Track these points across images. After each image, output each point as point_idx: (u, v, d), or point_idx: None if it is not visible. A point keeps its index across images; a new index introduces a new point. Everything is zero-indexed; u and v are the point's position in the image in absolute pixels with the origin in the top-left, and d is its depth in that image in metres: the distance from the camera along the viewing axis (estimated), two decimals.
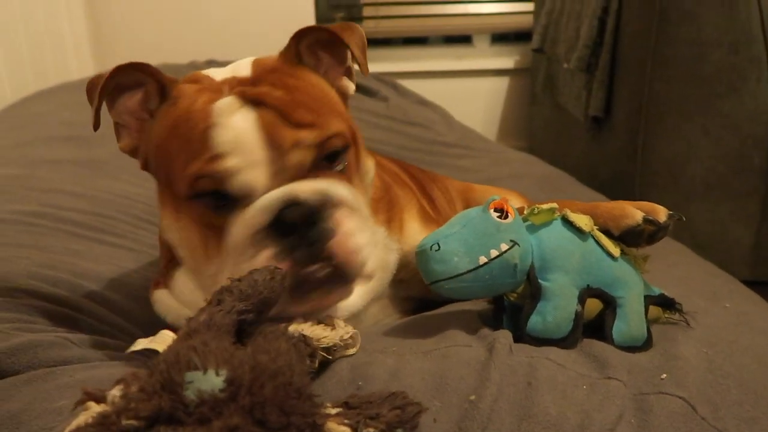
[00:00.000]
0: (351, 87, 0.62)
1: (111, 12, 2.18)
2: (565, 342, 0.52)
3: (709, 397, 0.46)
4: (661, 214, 0.57)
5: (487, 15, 2.38)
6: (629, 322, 0.54)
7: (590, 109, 1.40)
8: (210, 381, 0.31)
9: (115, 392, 0.32)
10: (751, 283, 1.30)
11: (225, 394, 0.31)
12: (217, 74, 0.57)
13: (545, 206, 0.57)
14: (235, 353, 0.34)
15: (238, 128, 0.50)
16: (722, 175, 1.22)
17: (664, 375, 0.46)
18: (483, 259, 0.51)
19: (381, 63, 2.32)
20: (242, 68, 0.57)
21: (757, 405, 0.47)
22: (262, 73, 0.55)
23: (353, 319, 0.57)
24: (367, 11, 2.32)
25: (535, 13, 1.94)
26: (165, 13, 2.18)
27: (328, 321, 0.46)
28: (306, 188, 0.50)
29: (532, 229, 0.56)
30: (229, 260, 0.50)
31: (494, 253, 0.51)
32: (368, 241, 0.51)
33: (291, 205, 0.49)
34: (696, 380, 0.47)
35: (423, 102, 1.68)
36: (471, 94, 2.31)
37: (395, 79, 2.14)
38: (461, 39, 2.48)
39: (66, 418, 0.32)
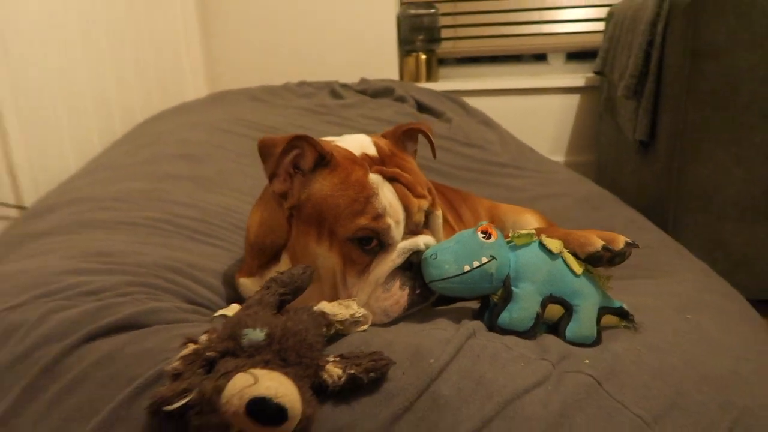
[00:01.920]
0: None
1: (220, 44, 2.50)
2: (526, 334, 0.69)
3: (620, 379, 0.61)
4: (620, 243, 0.72)
5: (562, 34, 2.48)
6: (581, 324, 0.70)
7: (636, 133, 1.50)
8: (256, 334, 0.53)
9: (203, 338, 0.54)
10: None
11: (264, 342, 0.52)
12: (346, 144, 0.77)
13: (525, 232, 0.74)
14: (272, 320, 0.55)
15: (389, 198, 0.72)
16: (755, 199, 1.30)
17: (587, 361, 0.63)
18: (467, 268, 0.69)
19: (457, 81, 2.50)
20: (366, 147, 0.77)
21: (664, 389, 0.61)
22: (385, 156, 0.76)
23: None
24: (445, 33, 2.50)
25: (603, 36, 2.03)
26: (264, 44, 2.48)
27: (346, 303, 0.66)
28: (421, 242, 0.72)
29: (514, 248, 0.73)
30: (368, 287, 0.71)
31: (476, 264, 0.69)
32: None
33: (416, 253, 0.71)
34: (614, 367, 0.63)
35: (486, 122, 1.84)
36: (544, 110, 2.42)
37: (472, 96, 2.32)
38: (537, 57, 2.59)
39: (177, 351, 0.55)
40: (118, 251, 0.84)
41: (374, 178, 0.72)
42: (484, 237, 0.72)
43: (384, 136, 0.82)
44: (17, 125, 1.47)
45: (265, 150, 0.72)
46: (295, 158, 0.74)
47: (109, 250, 0.83)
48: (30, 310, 0.67)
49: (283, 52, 2.46)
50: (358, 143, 0.77)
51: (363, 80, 2.25)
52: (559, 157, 2.44)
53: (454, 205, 1.01)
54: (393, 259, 0.71)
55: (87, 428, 0.55)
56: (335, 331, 0.63)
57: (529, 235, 0.74)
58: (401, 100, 1.89)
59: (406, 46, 2.46)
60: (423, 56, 2.45)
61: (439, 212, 0.78)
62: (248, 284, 0.79)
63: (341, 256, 0.72)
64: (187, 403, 0.47)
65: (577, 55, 2.51)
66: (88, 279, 0.74)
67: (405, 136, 0.82)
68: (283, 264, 0.76)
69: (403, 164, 0.76)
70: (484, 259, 0.70)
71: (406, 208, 0.73)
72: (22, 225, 1.01)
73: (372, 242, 0.71)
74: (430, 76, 2.47)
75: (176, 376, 0.51)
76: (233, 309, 0.60)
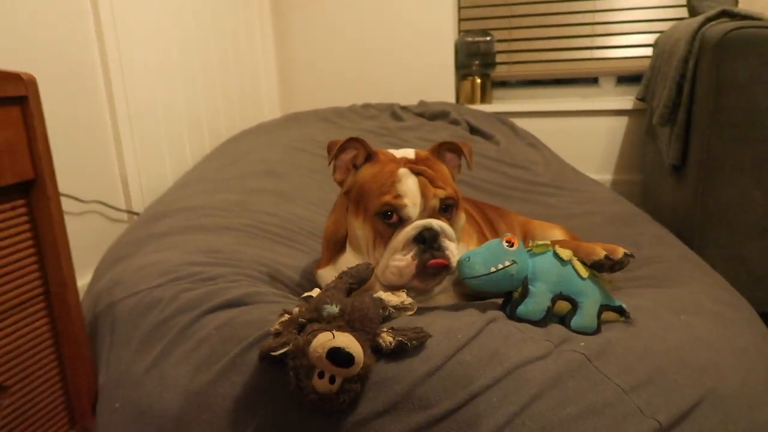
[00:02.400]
0: (457, 176, 1.03)
1: (293, 70, 2.77)
2: (538, 323, 0.87)
3: (607, 358, 0.79)
4: (619, 253, 0.90)
5: (613, 59, 2.61)
6: (584, 317, 0.88)
7: (669, 158, 1.64)
8: (332, 309, 0.74)
9: (296, 310, 0.77)
10: None
11: (338, 314, 0.74)
12: (397, 154, 0.98)
13: (541, 242, 0.92)
14: (344, 299, 0.76)
15: (409, 184, 0.91)
16: None
17: (582, 343, 0.81)
18: (493, 269, 0.88)
19: (511, 102, 2.66)
20: (409, 154, 0.99)
21: (643, 368, 0.78)
22: (420, 159, 0.97)
23: (428, 300, 0.98)
24: (500, 58, 2.67)
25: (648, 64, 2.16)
26: (332, 69, 2.72)
27: (398, 293, 0.87)
28: (435, 222, 0.90)
29: (532, 255, 0.92)
30: (388, 253, 0.90)
31: (500, 266, 0.88)
32: (457, 254, 0.90)
33: (428, 229, 0.89)
34: (604, 349, 0.80)
35: (532, 144, 2.01)
36: (594, 130, 2.55)
37: (525, 117, 2.48)
38: (589, 80, 2.73)
39: (276, 319, 0.77)
40: (223, 249, 1.08)
41: (402, 170, 0.92)
42: (507, 245, 0.91)
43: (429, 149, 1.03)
44: (131, 144, 1.77)
45: (329, 148, 0.97)
46: (353, 158, 0.97)
47: (216, 248, 1.08)
48: (167, 290, 0.92)
49: (349, 76, 2.70)
50: (404, 151, 0.99)
51: (422, 102, 2.46)
52: (607, 176, 2.56)
53: (492, 220, 1.20)
54: (408, 231, 0.88)
55: (212, 372, 0.78)
56: (389, 314, 0.84)
57: (545, 245, 0.92)
58: (455, 123, 2.09)
59: (462, 70, 2.66)
60: (478, 80, 2.63)
61: (461, 213, 0.97)
62: (324, 274, 1.00)
63: (372, 228, 0.92)
64: (285, 351, 0.69)
65: (628, 79, 2.63)
66: (204, 269, 0.98)
67: (443, 149, 1.01)
68: (348, 251, 0.98)
69: (432, 166, 0.95)
70: (507, 263, 0.89)
71: (423, 194, 0.90)
72: (144, 227, 1.27)
73: (393, 217, 0.89)
74: (485, 98, 2.65)
75: (277, 334, 0.73)
76: (316, 292, 0.82)
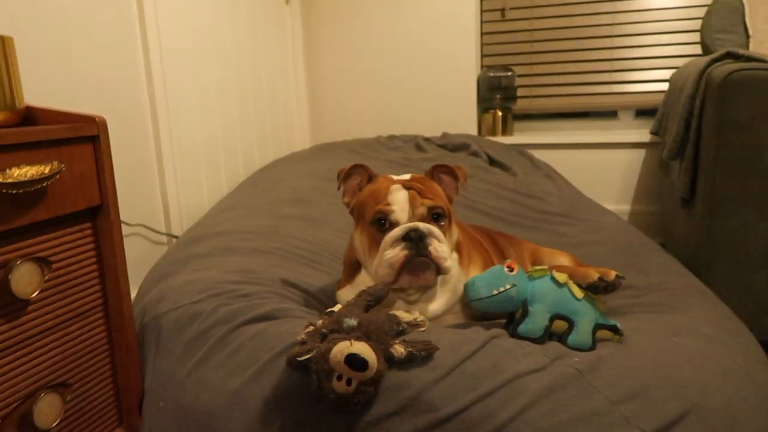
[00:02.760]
0: (454, 197, 1.13)
1: (323, 102, 2.92)
2: (537, 341, 0.96)
3: (598, 373, 0.87)
4: (611, 275, 0.99)
5: (631, 93, 2.70)
6: (580, 335, 0.96)
7: (679, 190, 1.72)
8: (351, 322, 0.85)
9: (320, 322, 0.87)
10: None
11: (356, 326, 0.84)
12: (395, 177, 1.10)
13: (539, 267, 1.01)
14: (362, 314, 0.87)
15: (398, 195, 1.02)
16: None
17: (576, 359, 0.89)
18: (494, 292, 0.98)
19: (531, 135, 2.76)
20: (404, 176, 1.10)
21: (631, 383, 0.86)
22: (414, 179, 1.08)
23: (436, 319, 1.08)
24: (521, 91, 2.78)
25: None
26: (360, 101, 2.86)
27: (411, 312, 0.97)
28: (421, 225, 0.99)
29: (531, 278, 1.01)
30: (380, 252, 0.97)
31: (501, 289, 0.98)
32: (446, 256, 0.99)
33: (413, 230, 0.98)
34: (596, 364, 0.88)
35: (549, 175, 2.10)
36: (612, 162, 2.62)
37: (545, 149, 2.58)
38: (608, 113, 2.81)
39: (302, 331, 0.88)
40: (257, 270, 1.20)
41: (394, 186, 1.04)
42: (508, 270, 1.00)
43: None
44: (173, 173, 1.92)
45: (338, 175, 1.10)
46: (359, 183, 1.10)
47: (250, 268, 1.20)
48: (206, 304, 1.04)
49: (377, 109, 2.84)
50: (403, 176, 1.10)
51: (444, 134, 2.58)
52: (626, 207, 2.63)
53: (502, 247, 1.29)
54: (396, 231, 0.98)
55: (245, 375, 0.89)
56: (403, 329, 0.94)
57: (543, 269, 1.02)
58: (475, 154, 2.20)
59: (484, 103, 2.77)
60: (500, 113, 2.75)
61: (454, 227, 1.07)
62: (342, 295, 1.11)
63: (368, 236, 1.02)
64: (309, 357, 0.80)
65: (646, 112, 2.71)
66: (239, 287, 1.10)
67: (438, 172, 1.11)
68: (363, 272, 1.08)
69: (424, 183, 1.05)
70: (508, 286, 0.98)
71: (412, 204, 1.00)
72: (185, 248, 1.40)
73: (385, 224, 0.99)
74: (506, 131, 2.76)
75: (303, 343, 0.84)
76: (338, 307, 0.92)
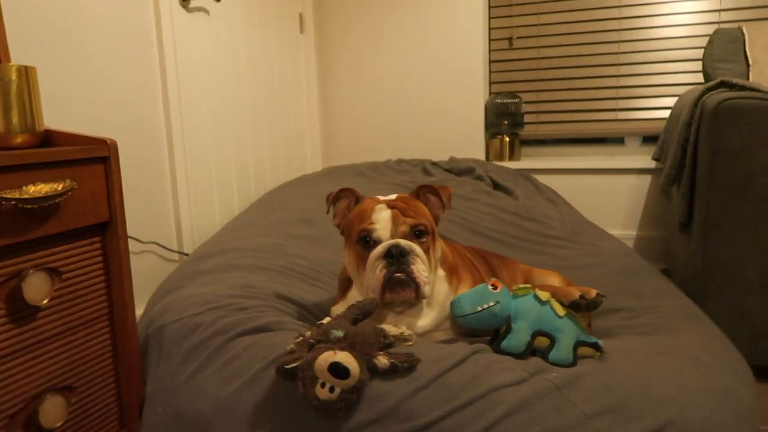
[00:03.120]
0: (441, 216, 1.18)
1: (336, 127, 3.00)
2: (519, 356, 1.00)
3: (575, 387, 0.90)
4: (592, 294, 1.02)
5: (638, 120, 2.73)
6: (561, 351, 1.00)
7: (676, 216, 1.74)
8: (338, 333, 0.89)
9: (308, 333, 0.92)
10: None
11: (342, 337, 0.89)
12: (381, 198, 1.16)
13: (523, 286, 1.05)
14: (349, 326, 0.92)
15: (381, 215, 1.07)
16: None
17: (555, 374, 0.93)
18: (479, 308, 1.02)
19: (539, 160, 2.80)
20: (391, 197, 1.16)
21: (608, 398, 0.89)
22: (398, 199, 1.13)
23: (426, 335, 1.12)
24: (528, 117, 2.84)
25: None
26: (371, 127, 2.94)
27: (398, 326, 1.01)
28: (403, 242, 1.04)
29: (515, 296, 1.05)
30: (367, 272, 1.03)
31: (485, 306, 1.02)
32: (426, 275, 1.03)
33: (394, 246, 1.03)
34: (574, 379, 0.92)
35: (551, 199, 2.14)
36: (619, 188, 2.65)
37: (552, 174, 2.63)
38: (616, 139, 2.85)
39: (291, 341, 0.93)
40: (256, 285, 1.25)
41: (379, 206, 1.09)
42: (492, 288, 1.04)
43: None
44: (186, 193, 2.00)
45: (327, 198, 1.16)
46: (347, 205, 1.16)
47: (251, 284, 1.26)
48: (206, 317, 1.09)
49: (387, 133, 2.92)
50: (390, 196, 1.15)
51: (452, 159, 2.64)
52: (632, 232, 2.65)
53: (494, 267, 1.34)
54: (378, 249, 1.03)
55: (238, 383, 0.94)
56: (390, 342, 0.98)
57: (527, 288, 1.06)
58: (480, 178, 2.25)
59: (492, 129, 2.83)
60: (507, 138, 2.80)
61: (438, 244, 1.12)
62: (336, 310, 1.16)
63: (355, 254, 1.07)
64: (296, 365, 0.85)
65: (653, 139, 2.73)
66: (238, 301, 1.15)
67: (424, 192, 1.16)
68: (353, 288, 1.13)
69: (407, 202, 1.11)
70: (491, 303, 1.02)
71: (394, 222, 1.05)
72: (192, 264, 1.46)
73: (369, 241, 1.05)
74: (513, 156, 2.81)
75: (291, 352, 0.89)
76: (327, 320, 0.97)
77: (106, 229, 0.98)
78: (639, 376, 0.97)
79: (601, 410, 0.88)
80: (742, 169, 1.48)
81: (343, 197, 1.16)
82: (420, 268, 1.03)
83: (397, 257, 1.01)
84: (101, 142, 0.94)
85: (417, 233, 1.07)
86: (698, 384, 1.02)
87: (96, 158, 0.94)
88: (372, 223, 1.06)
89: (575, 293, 1.03)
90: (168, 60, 1.89)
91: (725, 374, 1.11)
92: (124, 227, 0.98)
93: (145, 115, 1.84)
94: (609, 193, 2.67)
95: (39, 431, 0.89)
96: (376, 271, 1.02)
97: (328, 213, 1.17)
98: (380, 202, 1.11)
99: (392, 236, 1.05)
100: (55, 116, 1.50)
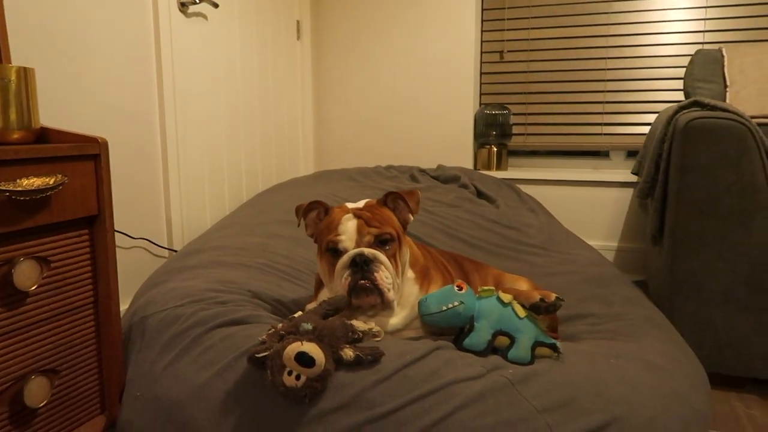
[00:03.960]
0: (410, 219, 1.24)
1: (328, 134, 3.06)
2: (480, 353, 1.05)
3: (529, 383, 0.96)
4: (552, 297, 1.08)
5: (623, 135, 2.80)
6: (519, 350, 1.06)
7: (649, 229, 1.81)
8: (307, 326, 0.95)
9: (280, 326, 0.98)
10: None
11: (311, 330, 0.95)
12: (351, 205, 1.22)
13: (487, 288, 1.11)
14: (318, 321, 0.98)
15: (347, 225, 1.13)
16: (737, 290, 1.55)
17: (511, 371, 0.99)
18: (444, 308, 1.08)
19: (525, 170, 2.87)
20: (360, 204, 1.22)
21: (559, 394, 0.95)
22: (366, 206, 1.19)
23: (397, 333, 1.18)
24: (516, 129, 2.91)
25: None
26: (363, 136, 3.01)
27: (368, 322, 1.07)
28: (367, 251, 1.10)
29: (479, 298, 1.11)
30: (335, 280, 1.10)
31: (450, 305, 1.08)
32: (390, 281, 1.09)
33: (359, 255, 1.09)
34: (528, 376, 0.98)
35: (532, 209, 2.21)
36: (602, 200, 2.71)
37: (538, 185, 2.69)
38: (602, 153, 2.92)
39: (265, 333, 0.99)
40: (237, 281, 1.31)
41: (346, 216, 1.14)
42: (458, 289, 1.10)
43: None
44: (178, 192, 2.06)
45: (296, 211, 1.21)
46: (317, 215, 1.21)
47: (232, 280, 1.32)
48: (187, 309, 1.15)
49: (379, 140, 2.99)
50: (362, 201, 1.21)
51: (440, 166, 2.71)
52: (613, 243, 2.71)
53: (467, 271, 1.40)
54: (343, 258, 1.09)
55: (212, 371, 1.00)
56: (358, 337, 1.04)
57: (491, 290, 1.12)
58: (464, 186, 2.32)
59: (480, 139, 2.90)
60: (495, 149, 2.87)
61: (405, 249, 1.18)
62: (309, 307, 1.22)
63: (326, 262, 1.13)
64: (267, 354, 0.91)
65: (637, 153, 2.80)
66: (219, 295, 1.21)
67: (392, 198, 1.21)
68: (324, 290, 1.19)
69: (373, 210, 1.16)
70: (456, 303, 1.08)
71: (359, 232, 1.11)
72: (179, 260, 1.52)
73: (337, 251, 1.11)
74: (500, 166, 2.88)
75: (263, 342, 0.95)
76: (299, 314, 1.03)
77: (95, 223, 1.04)
78: (592, 376, 1.03)
79: (551, 405, 0.94)
80: (709, 185, 1.55)
81: (313, 209, 1.21)
82: (383, 275, 1.09)
83: (361, 266, 1.07)
84: (93, 141, 1.00)
85: (381, 241, 1.12)
86: (649, 386, 1.08)
87: (87, 155, 1.00)
88: (338, 234, 1.12)
89: (536, 296, 1.09)
90: (165, 64, 1.95)
91: (678, 379, 1.17)
92: (111, 221, 1.04)
93: (141, 116, 1.90)
94: (592, 205, 2.73)
95: (23, 410, 0.94)
96: (341, 278, 1.08)
97: (299, 226, 1.22)
98: (348, 211, 1.16)
99: (357, 245, 1.11)
100: (52, 115, 1.56)
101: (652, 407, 1.02)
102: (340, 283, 1.08)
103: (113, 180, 1.79)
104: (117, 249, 1.82)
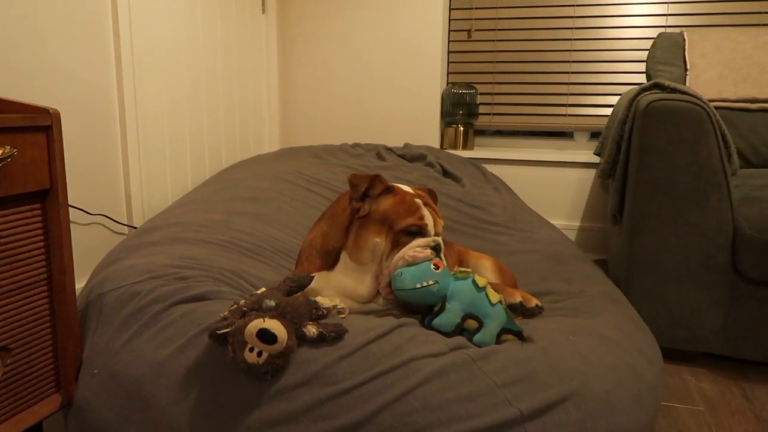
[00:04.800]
0: None
1: (294, 110, 3.02)
2: (448, 335, 1.06)
3: (489, 360, 0.98)
4: (532, 303, 1.10)
5: (586, 116, 2.84)
6: (485, 335, 1.07)
7: (609, 208, 1.85)
8: (270, 302, 0.95)
9: (242, 302, 0.97)
10: (722, 358, 1.67)
11: (274, 307, 0.94)
12: (405, 188, 1.23)
13: (464, 269, 1.12)
14: (281, 297, 0.97)
15: (426, 212, 1.15)
16: (691, 269, 1.60)
17: (471, 349, 1.00)
18: (418, 285, 1.07)
19: (491, 150, 2.89)
20: (413, 189, 1.23)
21: (518, 369, 0.97)
22: (422, 195, 1.21)
23: (367, 304, 1.18)
24: (482, 109, 2.92)
25: None
26: (329, 113, 2.98)
27: (333, 298, 1.07)
28: (438, 239, 1.14)
29: (455, 278, 1.11)
30: (405, 249, 1.11)
31: (425, 284, 1.08)
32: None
33: (438, 244, 1.13)
34: (489, 354, 0.99)
35: (497, 188, 2.22)
36: (565, 180, 2.75)
37: (503, 164, 2.71)
38: (565, 133, 2.96)
39: (227, 309, 0.97)
40: (198, 257, 1.29)
41: (419, 201, 1.18)
42: (434, 268, 1.10)
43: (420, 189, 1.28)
44: (138, 167, 2.00)
45: (354, 182, 1.18)
46: (367, 188, 1.18)
47: (193, 256, 1.29)
48: (146, 285, 1.13)
49: (346, 118, 2.96)
50: (409, 187, 1.24)
51: (406, 145, 2.70)
52: (575, 223, 2.77)
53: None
54: (427, 239, 1.14)
55: (172, 347, 0.98)
56: (323, 313, 1.04)
57: (467, 272, 1.12)
58: (430, 165, 2.32)
59: (447, 118, 2.90)
60: (461, 128, 2.88)
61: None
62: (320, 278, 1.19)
63: (392, 241, 1.14)
64: (228, 330, 0.89)
65: (600, 134, 2.85)
66: (179, 271, 1.19)
67: (431, 194, 1.29)
68: (342, 261, 1.19)
69: (432, 204, 1.23)
70: (431, 282, 1.08)
71: (435, 221, 1.17)
72: (138, 237, 1.48)
73: (416, 234, 1.14)
74: (467, 145, 2.89)
75: (225, 319, 0.93)
76: (262, 289, 1.02)
77: (47, 197, 1.00)
78: (550, 352, 1.06)
79: (510, 381, 0.96)
80: (667, 166, 1.58)
81: (376, 185, 1.18)
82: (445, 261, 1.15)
83: (437, 251, 1.14)
84: (44, 111, 0.96)
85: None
86: (604, 361, 1.11)
87: (38, 126, 0.96)
88: (422, 218, 1.16)
89: (517, 297, 1.10)
90: (123, 33, 1.88)
91: (632, 353, 1.21)
92: (65, 195, 1.01)
93: (98, 88, 1.83)
94: (556, 185, 2.77)
95: None
96: (425, 249, 1.12)
97: (359, 199, 1.18)
98: (415, 196, 1.20)
99: (431, 231, 1.17)
100: (4, 85, 1.49)
101: (606, 381, 1.06)
102: (408, 250, 1.11)
103: (69, 153, 1.73)
104: (74, 225, 1.76)
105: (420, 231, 1.15)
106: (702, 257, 1.59)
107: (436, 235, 1.17)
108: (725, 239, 1.57)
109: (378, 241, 1.15)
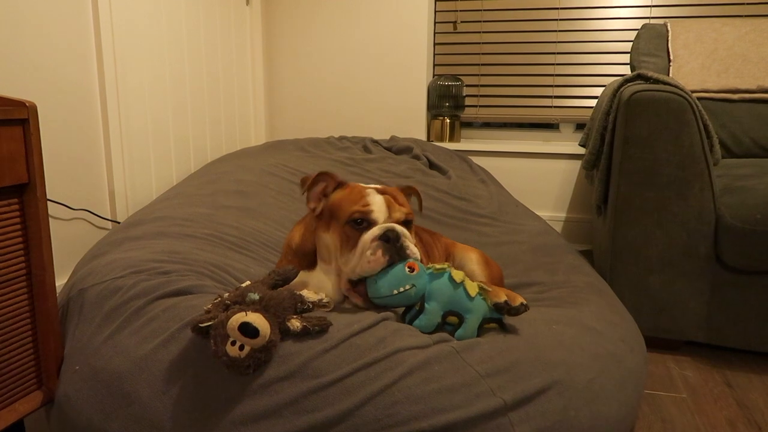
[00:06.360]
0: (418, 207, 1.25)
1: (280, 103, 3.00)
2: (429, 334, 1.06)
3: (473, 351, 0.98)
4: (517, 302, 1.08)
5: (572, 108, 2.85)
6: (467, 330, 1.06)
7: (594, 199, 1.86)
8: (254, 296, 0.94)
9: (226, 295, 0.97)
10: (705, 346, 1.69)
11: (257, 300, 0.94)
12: (365, 186, 1.18)
13: (439, 266, 1.11)
14: (266, 291, 0.96)
15: (377, 199, 1.10)
16: (673, 258, 1.62)
17: (454, 343, 1.00)
18: (395, 291, 1.06)
19: (477, 142, 2.89)
20: (376, 186, 1.19)
21: (502, 360, 0.98)
22: (385, 189, 1.16)
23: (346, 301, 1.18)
24: (469, 101, 2.92)
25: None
26: (315, 106, 2.96)
27: (318, 293, 1.07)
28: (397, 227, 1.07)
29: (432, 276, 1.10)
30: (359, 251, 1.04)
31: (401, 289, 1.06)
32: (419, 257, 1.08)
33: (391, 230, 1.06)
34: (472, 345, 0.99)
35: (483, 180, 2.23)
36: (551, 172, 2.76)
37: (489, 156, 2.72)
38: (551, 125, 2.96)
39: (210, 303, 0.97)
40: (182, 251, 1.28)
41: (370, 190, 1.13)
42: (409, 270, 1.08)
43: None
44: (120, 161, 1.98)
45: (302, 182, 1.16)
46: (324, 188, 1.17)
47: (176, 250, 1.28)
48: (128, 280, 1.12)
49: (332, 111, 2.95)
50: (371, 185, 1.20)
51: (392, 138, 2.69)
52: (561, 214, 2.78)
53: (426, 243, 1.40)
54: (374, 230, 1.06)
55: (155, 342, 0.98)
56: (308, 307, 1.03)
57: (443, 268, 1.11)
58: (416, 157, 2.32)
59: (434, 110, 2.90)
60: (448, 120, 2.87)
61: (412, 226, 1.17)
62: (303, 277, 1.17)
63: (341, 235, 1.09)
64: (210, 324, 0.89)
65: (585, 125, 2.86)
66: (162, 265, 1.18)
67: (408, 190, 1.24)
68: (318, 266, 1.16)
69: (395, 193, 1.16)
70: (407, 287, 1.05)
71: (389, 207, 1.10)
72: (122, 231, 1.47)
73: (362, 223, 1.08)
74: (453, 137, 2.89)
75: (208, 312, 0.93)
76: (247, 283, 1.02)
77: (25, 191, 0.99)
78: (534, 342, 1.06)
79: (494, 371, 0.97)
80: (649, 157, 1.59)
81: (321, 181, 1.16)
82: (413, 248, 1.08)
83: (393, 241, 1.05)
84: (20, 104, 0.95)
85: (406, 222, 1.11)
86: (586, 350, 1.12)
87: (14, 120, 0.94)
88: (367, 204, 1.08)
89: (502, 296, 1.08)
90: (104, 25, 1.85)
91: (615, 342, 1.22)
92: (43, 190, 0.99)
93: (78, 81, 1.81)
94: (542, 177, 2.78)
95: None
96: (368, 252, 1.05)
97: (303, 195, 1.16)
98: (369, 187, 1.14)
99: (386, 221, 1.09)
100: None
101: (589, 369, 1.06)
102: (364, 257, 1.05)
103: (50, 147, 1.70)
104: (56, 221, 1.74)
105: (364, 219, 1.07)
106: (685, 247, 1.61)
107: (398, 223, 1.09)
108: (708, 229, 1.58)
109: (326, 236, 1.12)
